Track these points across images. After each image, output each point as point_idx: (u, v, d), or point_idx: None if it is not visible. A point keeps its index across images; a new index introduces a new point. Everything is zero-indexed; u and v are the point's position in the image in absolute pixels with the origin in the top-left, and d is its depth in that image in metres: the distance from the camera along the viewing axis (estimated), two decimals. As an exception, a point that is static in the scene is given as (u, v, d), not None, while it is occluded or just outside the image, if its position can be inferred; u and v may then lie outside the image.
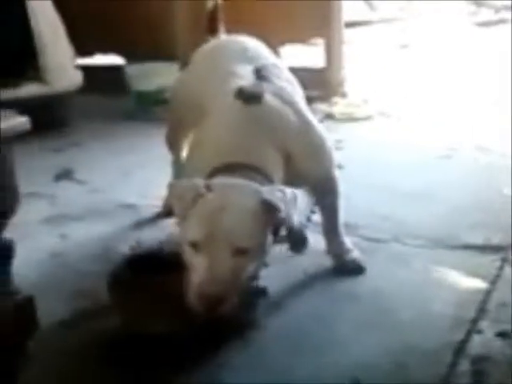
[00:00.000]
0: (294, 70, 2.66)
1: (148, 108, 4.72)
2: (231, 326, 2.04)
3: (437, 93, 5.11)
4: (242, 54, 2.48)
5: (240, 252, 1.82)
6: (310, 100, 2.76)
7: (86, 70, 4.81)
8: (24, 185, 1.95)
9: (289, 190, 1.94)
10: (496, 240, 2.59)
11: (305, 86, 2.63)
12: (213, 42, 2.77)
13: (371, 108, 4.78)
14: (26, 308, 1.94)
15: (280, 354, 1.98)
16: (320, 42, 5.24)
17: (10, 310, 1.90)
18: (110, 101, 5.04)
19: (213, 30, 2.90)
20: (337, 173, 2.41)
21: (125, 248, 2.64)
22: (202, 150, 2.17)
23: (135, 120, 4.69)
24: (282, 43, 5.00)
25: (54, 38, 4.54)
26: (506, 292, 2.24)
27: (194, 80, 2.55)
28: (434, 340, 2.01)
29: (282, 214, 1.89)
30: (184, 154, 2.56)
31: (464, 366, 1.89)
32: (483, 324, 2.08)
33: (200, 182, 1.92)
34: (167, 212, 2.64)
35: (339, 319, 2.16)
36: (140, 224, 2.93)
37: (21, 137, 1.86)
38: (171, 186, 2.03)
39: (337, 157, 2.47)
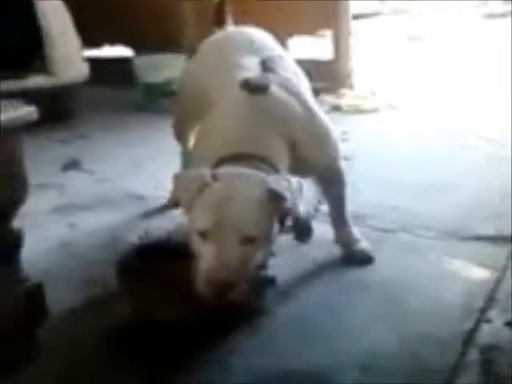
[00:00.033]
0: (302, 62, 2.66)
1: (156, 100, 4.73)
2: (240, 312, 2.04)
3: (444, 85, 5.11)
4: (249, 45, 2.48)
5: (248, 240, 1.83)
6: (317, 92, 2.77)
7: (93, 61, 4.83)
8: (32, 175, 1.95)
9: (294, 180, 1.96)
10: (507, 231, 2.58)
11: (312, 77, 2.63)
12: (219, 34, 2.77)
13: (378, 100, 4.79)
14: (35, 295, 1.95)
15: (289, 341, 1.99)
16: (328, 34, 5.24)
17: (19, 297, 1.91)
18: (117, 93, 5.05)
19: (220, 22, 2.89)
20: (343, 163, 2.41)
21: (133, 237, 2.64)
22: (208, 140, 2.17)
23: (143, 112, 4.70)
24: (290, 35, 5.01)
25: (61, 30, 4.55)
26: (515, 282, 2.25)
27: (200, 71, 2.55)
28: (443, 329, 2.00)
29: (288, 203, 1.89)
30: (191, 144, 2.56)
31: (473, 355, 1.89)
32: (492, 313, 2.08)
33: (206, 171, 1.93)
34: (174, 202, 2.65)
35: (348, 308, 2.16)
36: (148, 214, 2.94)
37: (28, 128, 1.86)
38: (177, 177, 2.03)
39: (343, 148, 2.47)
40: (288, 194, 1.89)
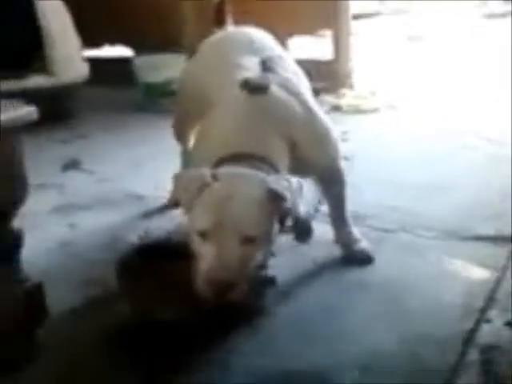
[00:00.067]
0: (302, 62, 2.66)
1: (156, 100, 4.73)
2: (240, 312, 2.04)
3: (444, 85, 5.11)
4: (249, 45, 2.48)
5: (248, 240, 1.83)
6: (317, 92, 2.76)
7: (93, 61, 4.83)
8: (32, 175, 1.95)
9: (294, 180, 1.96)
10: (507, 231, 2.57)
11: (312, 77, 2.63)
12: (219, 34, 2.77)
13: (378, 100, 4.79)
14: (35, 295, 1.95)
15: (289, 341, 1.99)
16: (328, 34, 5.24)
17: (19, 297, 1.91)
18: (117, 93, 5.05)
19: (220, 22, 2.89)
20: (343, 163, 2.41)
21: (133, 237, 2.64)
22: (208, 140, 2.17)
23: (143, 112, 4.70)
24: (290, 35, 5.01)
25: (61, 30, 4.55)
26: (515, 282, 2.25)
27: (200, 71, 2.55)
28: (443, 329, 2.00)
29: (288, 203, 1.89)
30: (191, 144, 2.56)
31: (473, 355, 1.88)
32: (492, 313, 2.08)
33: (206, 171, 1.93)
34: (174, 202, 2.65)
35: (348, 308, 2.16)
36: (148, 214, 2.94)
37: (28, 128, 1.86)
38: (177, 177, 2.03)
39: (343, 148, 2.47)
40: (288, 194, 1.89)
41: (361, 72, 5.22)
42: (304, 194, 1.98)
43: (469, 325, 2.02)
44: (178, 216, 2.54)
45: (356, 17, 5.83)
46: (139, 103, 4.88)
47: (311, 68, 2.96)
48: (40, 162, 3.44)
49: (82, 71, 4.68)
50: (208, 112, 2.25)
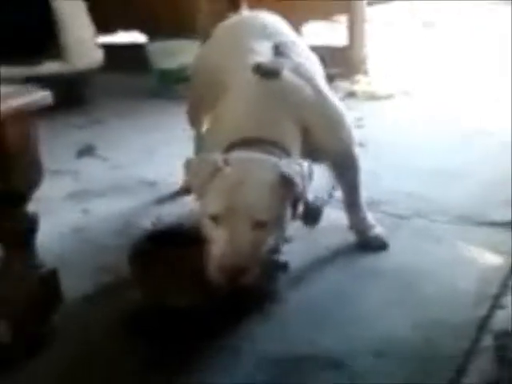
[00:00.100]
0: (316, 48, 2.65)
1: (170, 86, 4.72)
2: (252, 297, 2.04)
3: (459, 70, 5.07)
4: (262, 30, 2.47)
5: (259, 225, 1.83)
6: (331, 78, 2.75)
7: (107, 48, 4.82)
8: (48, 161, 1.96)
9: (305, 164, 1.95)
10: (523, 217, 2.56)
11: (327, 63, 2.61)
12: (233, 18, 2.76)
13: (393, 86, 4.76)
14: (50, 281, 1.95)
15: (301, 327, 1.99)
16: (342, 20, 5.21)
17: (34, 282, 1.92)
18: (131, 79, 5.05)
19: (235, 6, 2.88)
20: (357, 149, 2.40)
21: (146, 223, 2.64)
22: (220, 124, 2.18)
23: (157, 98, 4.69)
24: (305, 20, 4.98)
25: (75, 16, 4.55)
26: (529, 268, 2.23)
27: (214, 56, 2.55)
28: (457, 315, 2.00)
29: (299, 188, 1.89)
30: (205, 129, 2.56)
31: (487, 341, 1.88)
32: (506, 300, 2.07)
33: (218, 156, 1.93)
34: (187, 188, 2.65)
35: (362, 294, 2.15)
36: (161, 200, 2.94)
37: (43, 114, 1.87)
38: (188, 163, 2.03)
39: (358, 135, 2.46)
40: (299, 179, 1.88)
41: (375, 58, 5.19)
42: (317, 180, 1.97)
43: (483, 311, 2.01)
44: (190, 202, 2.54)
45: (370, 3, 5.77)
46: (153, 89, 4.88)
47: (325, 54, 2.95)
48: (55, 147, 3.46)
49: (96, 57, 4.68)
50: (222, 97, 2.25)
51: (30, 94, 1.86)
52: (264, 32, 2.46)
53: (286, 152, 2.01)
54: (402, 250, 2.40)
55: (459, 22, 6.95)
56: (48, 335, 1.95)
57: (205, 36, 2.94)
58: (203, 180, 1.90)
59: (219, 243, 1.81)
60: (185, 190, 2.78)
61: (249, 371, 1.81)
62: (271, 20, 2.59)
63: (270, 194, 1.86)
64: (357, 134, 2.43)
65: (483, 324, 1.95)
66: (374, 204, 2.67)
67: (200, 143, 2.77)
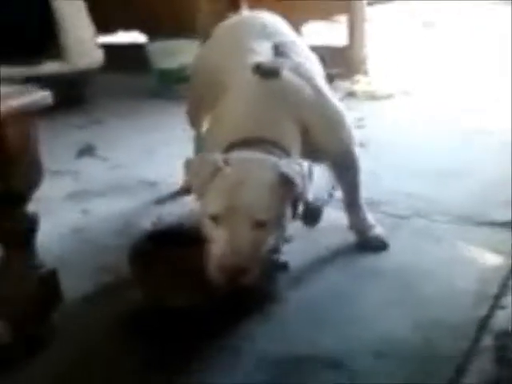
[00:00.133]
0: (316, 48, 2.65)
1: (170, 85, 4.72)
2: (252, 297, 2.04)
3: (459, 70, 5.07)
4: (262, 30, 2.48)
5: (259, 225, 1.83)
6: (331, 78, 2.75)
7: (107, 47, 4.82)
8: (48, 161, 1.96)
9: (305, 163, 1.95)
10: (523, 217, 2.56)
11: (327, 63, 2.61)
12: (234, 18, 2.76)
13: (393, 86, 4.76)
14: (49, 281, 1.95)
15: (300, 327, 1.99)
16: (343, 20, 5.21)
17: (34, 283, 1.92)
18: (131, 79, 5.05)
19: (234, 6, 2.88)
20: (356, 149, 2.40)
21: (146, 224, 2.64)
22: (220, 124, 2.18)
23: (157, 98, 4.70)
24: (305, 20, 4.98)
25: (75, 16, 4.56)
26: (529, 268, 2.23)
27: (214, 55, 2.55)
28: (457, 315, 2.00)
29: (299, 187, 1.89)
30: (204, 129, 2.56)
31: (487, 341, 1.88)
32: (506, 300, 2.07)
33: (218, 156, 1.93)
34: (187, 188, 2.65)
35: (361, 295, 2.15)
36: (161, 200, 2.94)
37: (43, 114, 1.87)
38: (188, 162, 2.03)
39: (359, 135, 2.46)
40: (299, 178, 1.89)
41: (375, 58, 5.19)
42: (317, 180, 1.97)
43: (483, 311, 2.01)
44: (190, 202, 2.54)
45: (370, 3, 5.77)
46: (153, 89, 4.88)
47: (325, 54, 2.95)
48: (55, 147, 3.46)
49: (96, 57, 4.69)
50: (221, 97, 2.25)
51: (30, 94, 1.86)
52: (264, 32, 2.46)
53: (285, 152, 2.01)
54: (402, 250, 2.40)
55: (459, 22, 6.95)
56: (48, 335, 1.95)
57: (205, 36, 2.94)
58: (203, 180, 1.90)
59: (219, 243, 1.82)
60: (185, 190, 2.78)
61: (249, 371, 1.80)
62: (271, 20, 2.59)
63: (270, 193, 1.86)
64: (357, 134, 2.44)
65: (483, 324, 1.95)
66: (373, 204, 2.66)
67: (200, 143, 2.77)
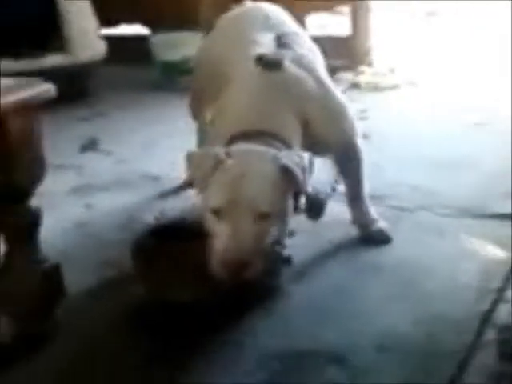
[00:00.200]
0: (320, 39, 2.64)
1: (173, 78, 4.72)
2: (255, 292, 2.04)
3: (464, 61, 5.05)
4: (264, 21, 2.47)
5: (262, 217, 1.83)
6: (335, 69, 2.74)
7: (110, 40, 4.82)
8: (51, 156, 1.96)
9: (305, 155, 1.95)
10: (526, 210, 2.55)
11: (331, 55, 2.61)
12: (236, 10, 2.75)
13: (397, 77, 4.75)
14: (53, 276, 1.96)
15: (303, 322, 1.99)
16: (346, 11, 5.19)
17: (38, 277, 1.92)
18: (135, 71, 5.05)
19: (237, -2, 2.87)
20: (359, 141, 2.39)
21: (149, 218, 2.64)
22: (223, 116, 2.18)
23: (160, 90, 4.69)
24: (308, 11, 4.96)
25: (78, 9, 4.55)
26: (532, 262, 2.23)
27: (216, 47, 2.55)
28: (460, 310, 1.99)
29: (299, 179, 1.89)
30: (207, 122, 2.56)
31: (490, 335, 1.88)
32: (509, 294, 2.06)
33: (219, 149, 1.93)
34: (190, 183, 2.65)
35: (364, 289, 2.15)
36: (164, 195, 2.94)
37: (47, 106, 1.86)
38: (190, 156, 2.02)
39: (362, 126, 2.45)
40: (299, 170, 1.88)
41: (379, 49, 5.17)
42: (320, 173, 1.96)
43: (485, 305, 2.01)
44: (192, 196, 2.54)
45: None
46: (156, 81, 4.87)
47: (329, 45, 2.94)
48: (59, 141, 3.46)
49: (99, 50, 4.68)
50: (224, 89, 2.25)
51: (32, 87, 1.85)
52: (267, 23, 2.46)
53: (286, 144, 2.01)
54: (405, 244, 2.39)
55: (463, 12, 6.91)
56: (51, 330, 1.95)
57: (208, 28, 2.94)
58: (205, 173, 1.90)
59: (222, 237, 1.82)
60: (188, 185, 2.77)
61: (251, 366, 1.80)
62: (274, 11, 2.59)
63: (272, 185, 1.86)
64: (361, 126, 2.43)
65: (486, 318, 1.94)
66: (377, 198, 2.65)
67: (203, 136, 2.78)
